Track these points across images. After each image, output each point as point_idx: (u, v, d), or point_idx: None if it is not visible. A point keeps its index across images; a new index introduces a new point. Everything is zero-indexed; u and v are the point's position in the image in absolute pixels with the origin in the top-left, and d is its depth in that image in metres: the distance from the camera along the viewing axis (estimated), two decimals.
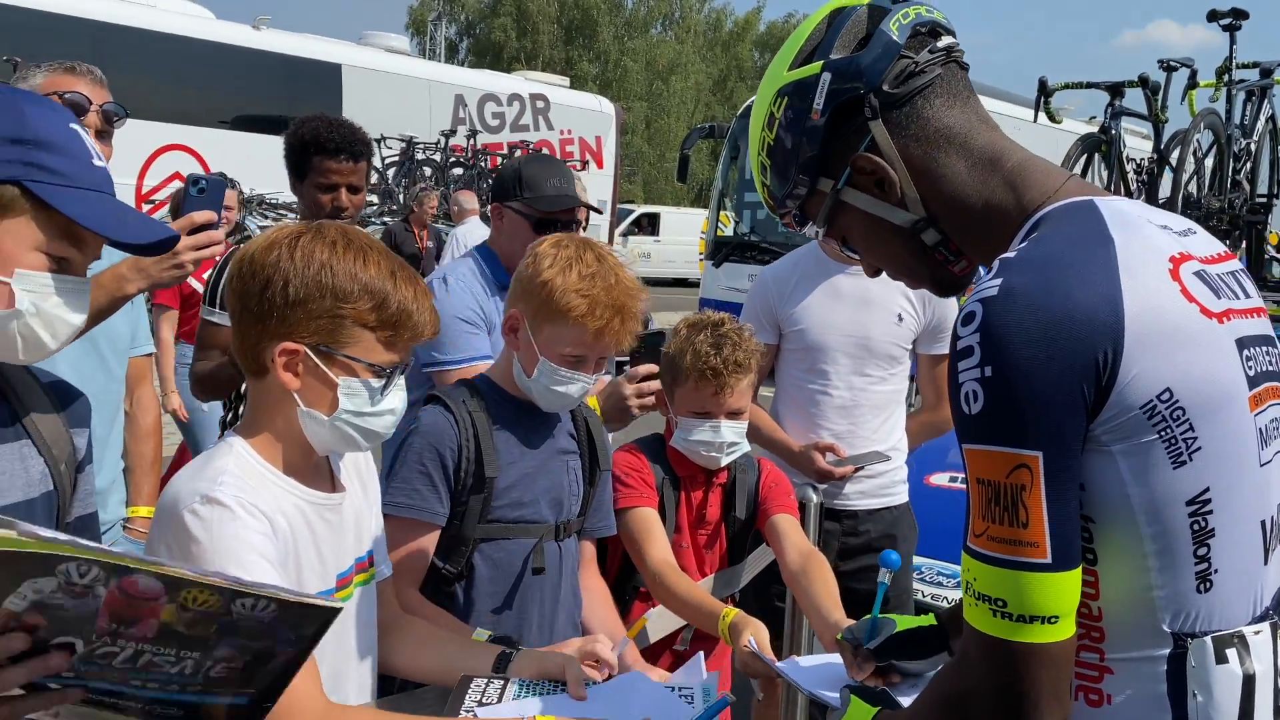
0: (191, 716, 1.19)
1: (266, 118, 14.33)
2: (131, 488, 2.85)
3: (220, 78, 15.06)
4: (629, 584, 2.45)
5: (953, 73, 1.27)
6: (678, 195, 37.21)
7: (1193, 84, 6.74)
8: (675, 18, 46.48)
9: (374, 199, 13.48)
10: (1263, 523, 1.16)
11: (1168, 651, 1.13)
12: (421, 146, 14.85)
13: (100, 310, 2.04)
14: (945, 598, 3.52)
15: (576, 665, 1.70)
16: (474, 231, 9.36)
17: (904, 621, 1.71)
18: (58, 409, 1.45)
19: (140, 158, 13.26)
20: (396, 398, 1.57)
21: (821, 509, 3.01)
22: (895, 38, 1.25)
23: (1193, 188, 6.58)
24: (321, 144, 2.92)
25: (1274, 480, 1.18)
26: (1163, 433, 1.09)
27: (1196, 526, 1.11)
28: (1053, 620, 1.08)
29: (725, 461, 2.42)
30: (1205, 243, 1.23)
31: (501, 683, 1.67)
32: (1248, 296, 1.22)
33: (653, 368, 2.47)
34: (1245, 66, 6.75)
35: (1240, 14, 6.39)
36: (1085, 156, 6.20)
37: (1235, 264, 1.25)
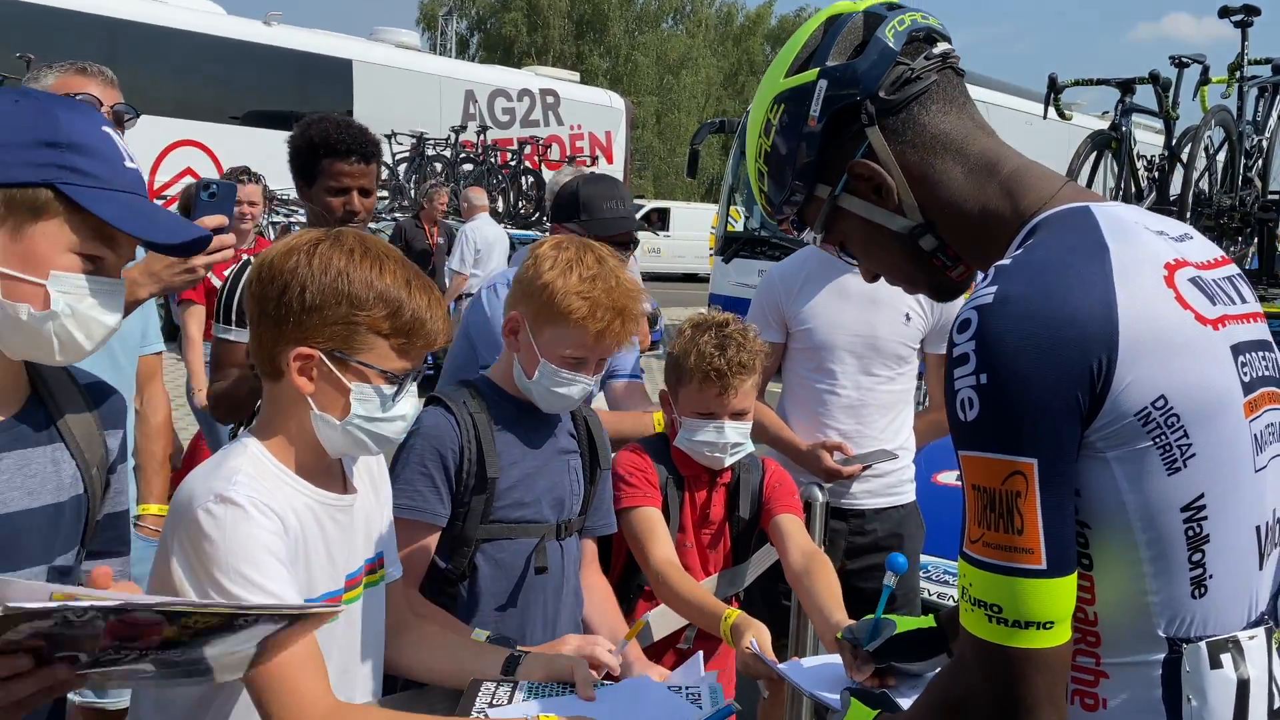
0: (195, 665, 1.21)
1: (278, 113, 14.39)
2: (142, 485, 2.87)
3: (231, 74, 15.14)
4: (633, 583, 2.46)
5: (949, 79, 1.28)
6: (688, 190, 37.18)
7: (1205, 80, 6.70)
8: (686, 12, 46.40)
9: (384, 194, 13.51)
10: (1257, 528, 1.16)
11: (1163, 656, 1.14)
12: (432, 142, 14.88)
13: None
14: (952, 596, 3.52)
15: (585, 667, 1.71)
16: (483, 228, 9.39)
17: (904, 623, 1.72)
18: (92, 409, 1.47)
19: (152, 153, 13.34)
20: (408, 404, 1.59)
21: (827, 508, 3.02)
22: (891, 44, 1.26)
23: (1204, 185, 6.55)
24: (332, 146, 2.82)
25: (1269, 486, 1.18)
26: (1157, 439, 1.09)
27: (1191, 532, 1.11)
28: (1048, 626, 1.09)
29: (729, 462, 2.43)
30: (1202, 248, 1.23)
31: (511, 685, 1.69)
32: (1244, 301, 1.22)
33: None
34: (1257, 63, 6.72)
35: (1252, 10, 6.35)
36: (1095, 154, 6.18)
37: (1232, 269, 1.25)
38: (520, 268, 2.05)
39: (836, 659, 1.84)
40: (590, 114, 19.89)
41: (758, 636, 1.99)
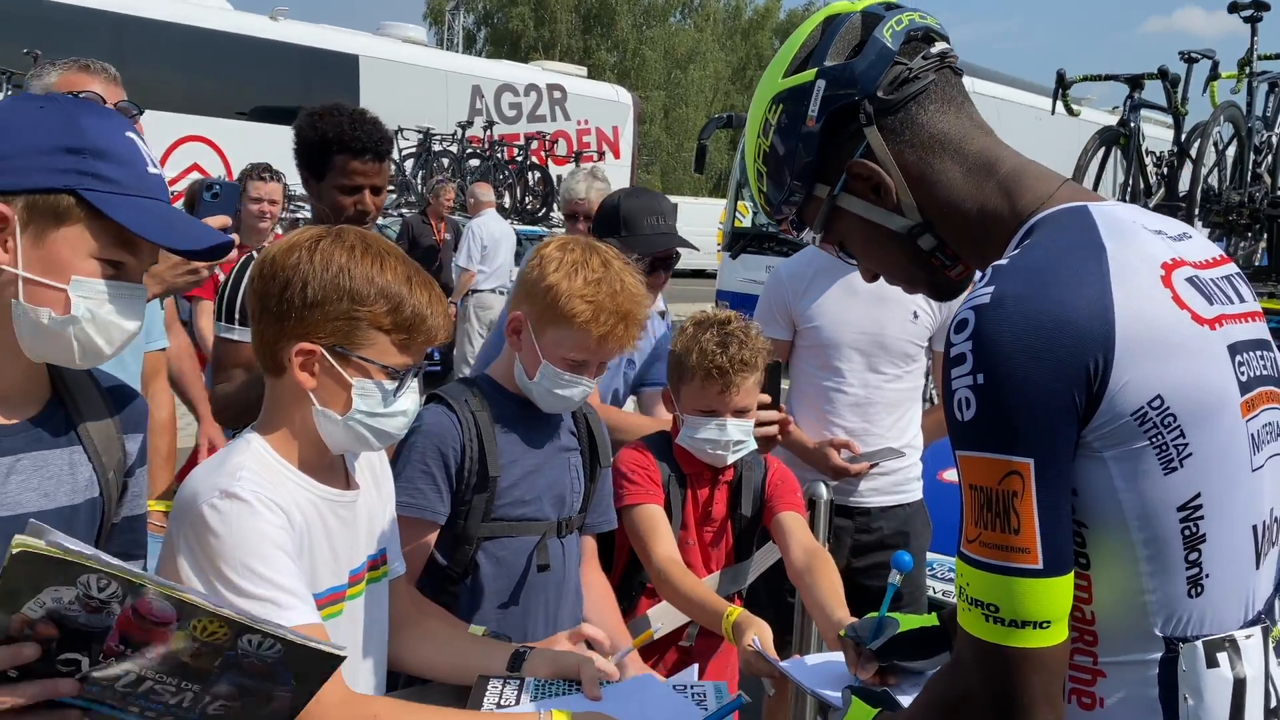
0: None
1: (284, 109, 14.40)
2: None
3: (238, 69, 15.15)
4: (635, 581, 2.47)
5: (947, 78, 1.28)
6: (695, 185, 37.12)
7: (1214, 75, 6.69)
8: (694, 6, 46.30)
9: (391, 190, 13.52)
10: (1254, 527, 1.17)
11: (1159, 655, 1.14)
12: (439, 138, 14.88)
13: None
14: None
15: (591, 666, 1.72)
16: (489, 224, 9.38)
17: (907, 621, 1.72)
18: (113, 413, 1.48)
19: (158, 149, 13.27)
20: (409, 399, 1.60)
21: (831, 505, 3.02)
22: (889, 44, 1.26)
23: (1213, 181, 6.53)
24: (346, 142, 2.66)
25: (1266, 485, 1.18)
26: (1154, 439, 1.09)
27: (1188, 532, 1.12)
28: (1045, 625, 1.09)
29: (731, 459, 2.43)
30: (1200, 247, 1.23)
31: (518, 683, 1.70)
32: (1242, 301, 1.22)
33: (766, 398, 2.50)
34: (1267, 58, 6.69)
35: (1262, 5, 6.33)
36: (1104, 150, 6.16)
37: (1231, 268, 1.26)
38: (525, 267, 2.05)
39: (839, 657, 1.84)
40: (597, 109, 19.86)
41: (760, 634, 1.99)
